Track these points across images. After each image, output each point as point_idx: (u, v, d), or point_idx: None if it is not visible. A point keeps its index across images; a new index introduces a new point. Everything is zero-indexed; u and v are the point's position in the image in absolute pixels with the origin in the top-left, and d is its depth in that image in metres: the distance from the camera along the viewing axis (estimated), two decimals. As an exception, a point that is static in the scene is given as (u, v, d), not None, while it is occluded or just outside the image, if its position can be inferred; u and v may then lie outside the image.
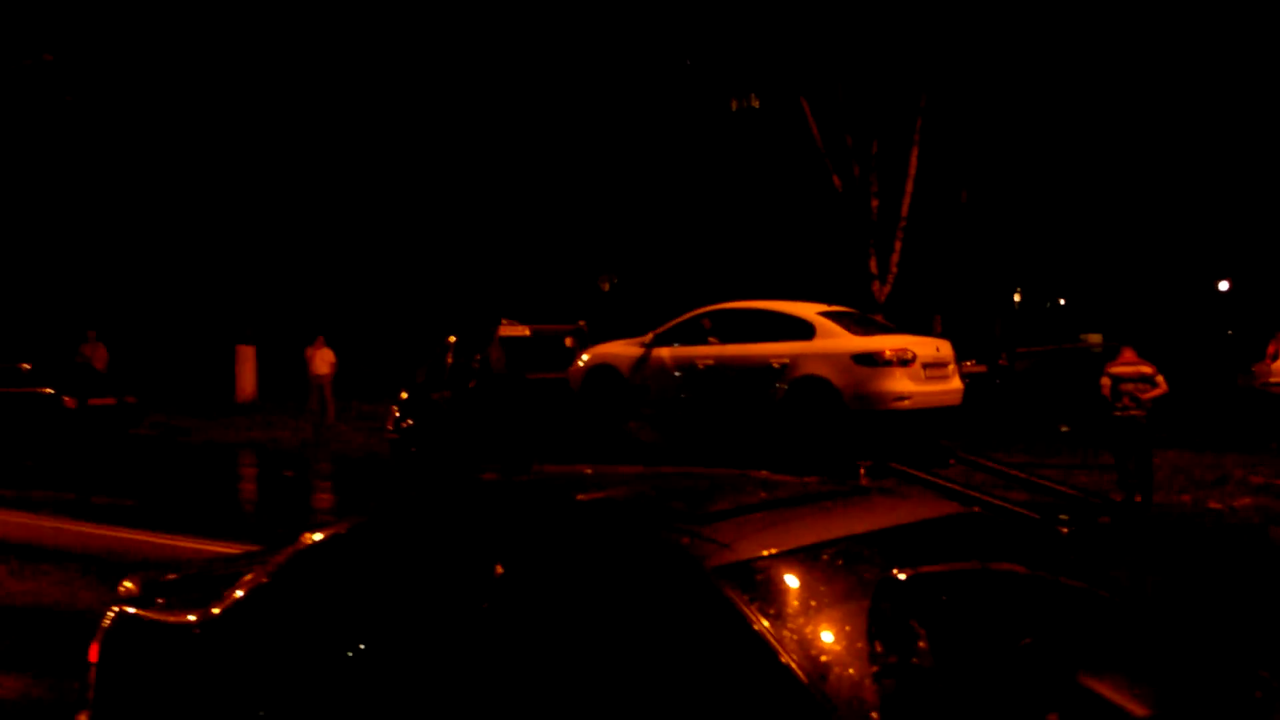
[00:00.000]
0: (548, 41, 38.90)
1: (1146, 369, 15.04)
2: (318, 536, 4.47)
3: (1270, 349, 25.70)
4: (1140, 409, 14.86)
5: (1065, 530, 4.64)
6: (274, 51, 35.52)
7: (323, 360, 27.51)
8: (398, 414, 20.34)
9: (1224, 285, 55.05)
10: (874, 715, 2.99)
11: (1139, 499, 14.98)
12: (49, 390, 25.25)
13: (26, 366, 26.05)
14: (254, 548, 8.15)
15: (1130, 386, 14.97)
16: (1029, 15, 29.21)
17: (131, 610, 4.74)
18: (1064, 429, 21.96)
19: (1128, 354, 15.25)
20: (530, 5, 38.18)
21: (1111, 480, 15.67)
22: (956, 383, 16.80)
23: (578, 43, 37.56)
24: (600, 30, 35.13)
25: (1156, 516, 14.68)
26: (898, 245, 28.52)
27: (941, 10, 27.29)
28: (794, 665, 3.06)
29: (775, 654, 3.09)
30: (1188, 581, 11.32)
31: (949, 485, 4.54)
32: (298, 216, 42.28)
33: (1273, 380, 25.36)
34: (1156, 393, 14.95)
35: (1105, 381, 15.13)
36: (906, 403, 15.40)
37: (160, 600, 4.76)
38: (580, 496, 4.41)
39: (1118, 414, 14.96)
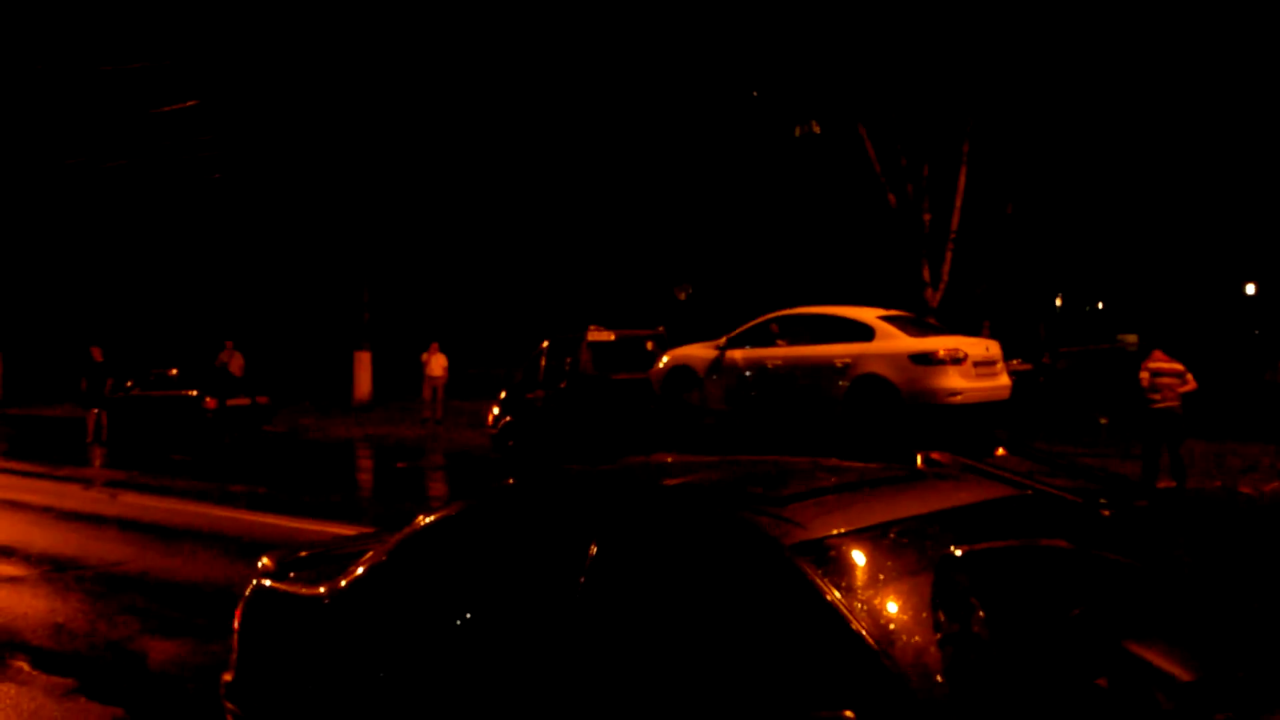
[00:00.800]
0: (634, 72, 39.02)
1: (1178, 366, 14.92)
2: (429, 519, 4.52)
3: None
4: (1176, 401, 14.74)
5: (1106, 512, 4.58)
6: (379, 57, 35.82)
7: (437, 364, 27.81)
8: (497, 412, 20.53)
9: (1251, 288, 54.00)
10: (939, 679, 2.96)
11: (1171, 484, 14.80)
12: (193, 393, 25.93)
13: (174, 372, 26.83)
14: (371, 530, 8.27)
15: (1166, 380, 14.84)
16: (1063, 39, 28.84)
17: (268, 583, 4.84)
18: (1103, 421, 21.63)
19: (1158, 353, 15.11)
20: (620, 35, 38.29)
21: (1158, 468, 15.46)
22: (1004, 379, 16.61)
23: (662, 73, 37.63)
24: (681, 60, 35.18)
25: (1193, 499, 14.43)
26: (948, 255, 28.44)
27: (984, 40, 27.12)
28: (864, 633, 3.04)
29: (847, 622, 3.08)
30: (1223, 557, 11.12)
31: (1000, 472, 4.49)
32: (412, 235, 42.78)
33: (1288, 375, 24.89)
34: (1188, 388, 14.86)
35: (1144, 376, 14.98)
36: (959, 398, 15.25)
37: (293, 575, 4.86)
38: (666, 481, 4.41)
39: (1156, 406, 14.82)
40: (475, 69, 40.88)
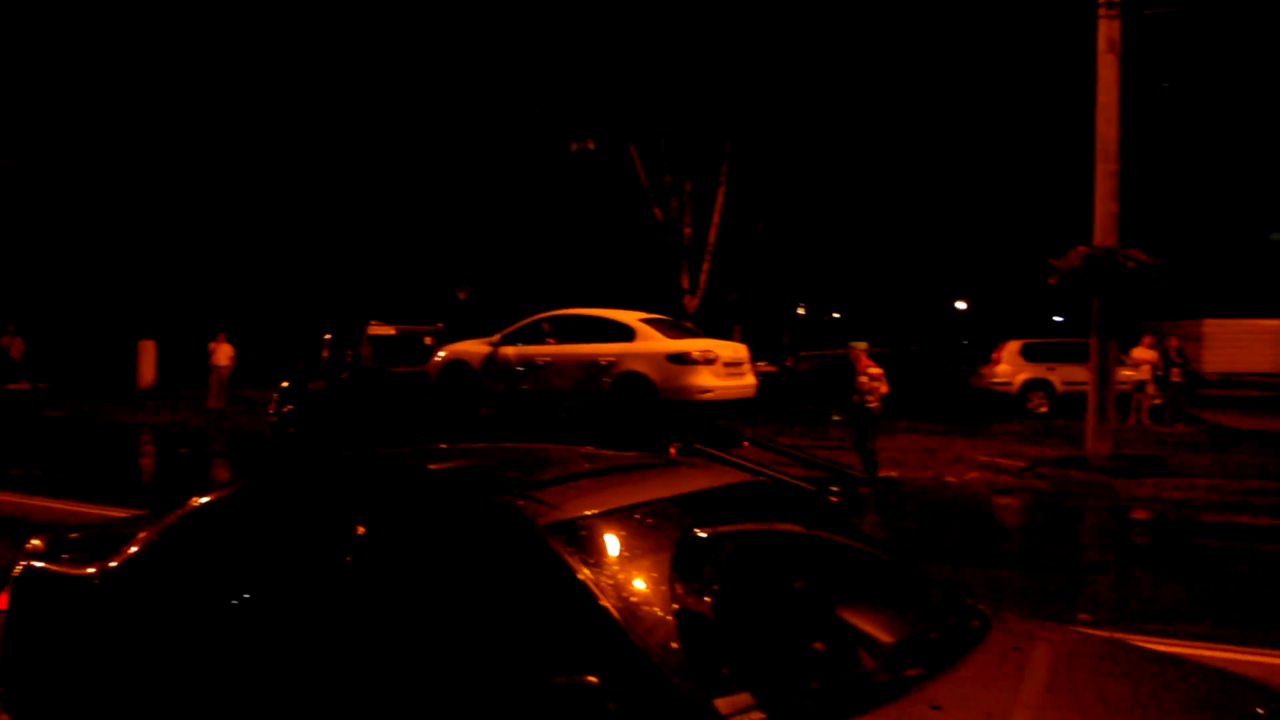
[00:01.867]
0: (423, 80, 38.51)
1: (880, 371, 15.66)
2: (204, 500, 4.39)
3: (994, 355, 26.89)
4: (878, 402, 15.45)
5: (835, 499, 4.78)
6: (180, 52, 34.50)
7: (223, 354, 26.87)
8: (279, 400, 20.01)
9: (961, 305, 57.05)
10: (674, 645, 3.03)
11: (894, 473, 15.54)
12: (-33, 377, 24.32)
13: (-50, 356, 25.03)
14: (146, 512, 7.92)
15: (873, 384, 15.58)
16: (808, 79, 30.03)
17: (38, 564, 4.59)
18: (836, 417, 22.53)
19: (867, 360, 15.82)
20: (410, 42, 37.73)
21: (873, 458, 16.18)
22: (751, 379, 17.08)
23: (450, 84, 37.26)
24: (467, 71, 34.94)
25: (905, 486, 15.15)
26: (705, 266, 29.22)
27: (740, 78, 28.07)
28: (610, 606, 3.10)
29: (595, 597, 3.13)
30: (922, 532, 11.72)
31: (742, 461, 4.62)
32: (196, 226, 41.24)
33: (995, 380, 26.52)
34: (885, 389, 15.59)
35: (863, 380, 15.62)
36: (709, 395, 15.61)
37: (65, 556, 4.62)
38: (430, 466, 4.39)
39: (867, 405, 15.49)
40: (258, 63, 39.68)
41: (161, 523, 4.41)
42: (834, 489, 13.60)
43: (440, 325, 20.44)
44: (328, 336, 19.72)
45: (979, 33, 39.44)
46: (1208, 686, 3.73)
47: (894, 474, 15.63)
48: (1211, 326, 31.93)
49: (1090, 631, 5.29)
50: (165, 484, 16.71)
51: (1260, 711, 3.53)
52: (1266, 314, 32.19)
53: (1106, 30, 16.34)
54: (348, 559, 3.67)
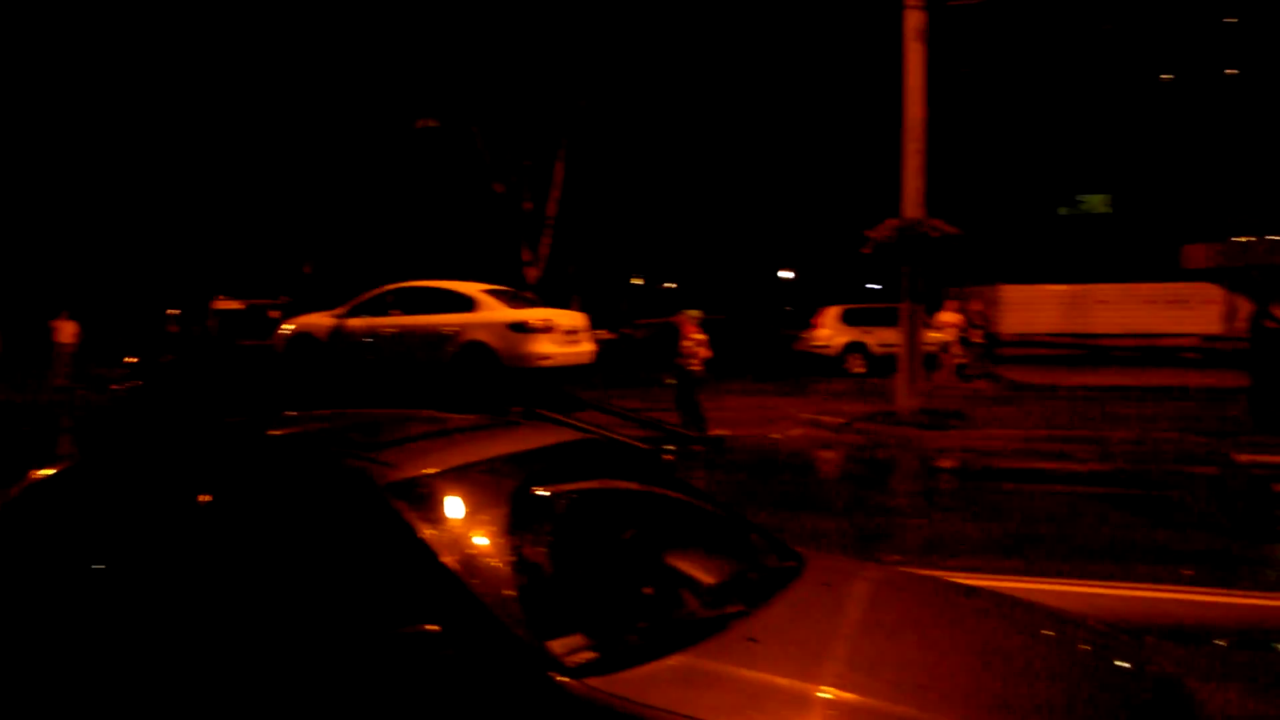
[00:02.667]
0: (270, 57, 37.28)
1: (704, 337, 15.91)
2: (44, 473, 4.20)
3: (814, 321, 27.63)
4: (700, 365, 15.70)
5: (669, 457, 4.86)
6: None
7: (68, 331, 25.59)
8: (128, 375, 19.27)
9: (787, 274, 58.23)
10: (509, 593, 3.06)
11: (727, 433, 15.82)
12: None
13: None
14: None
15: (695, 349, 15.83)
16: (643, 58, 30.17)
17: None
18: (669, 381, 22.79)
19: (689, 326, 16.04)
20: (260, 21, 36.45)
21: (702, 418, 16.46)
22: (589, 346, 17.20)
23: (298, 60, 36.16)
24: (315, 48, 33.99)
25: (735, 443, 15.44)
26: (545, 238, 29.14)
27: (578, 59, 28.03)
28: (450, 562, 3.10)
29: (435, 552, 3.12)
30: (749, 485, 12.00)
31: (578, 423, 4.66)
32: (37, 203, 39.17)
33: (815, 344, 27.26)
34: (706, 353, 15.86)
35: (686, 345, 15.85)
36: (549, 361, 15.69)
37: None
38: (275, 432, 4.30)
39: (691, 368, 15.71)
40: (97, 35, 37.87)
41: (2, 496, 4.21)
42: (668, 448, 13.80)
43: (285, 299, 19.96)
44: (175, 312, 19.09)
45: (802, 21, 40.20)
46: (1004, 611, 3.94)
47: (724, 432, 15.92)
48: (1008, 291, 33.34)
49: (900, 568, 5.52)
50: (5, 461, 15.92)
51: (1050, 633, 3.75)
52: (1055, 280, 33.80)
53: (913, 20, 16.83)
54: (195, 526, 3.57)
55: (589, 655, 2.95)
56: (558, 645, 2.95)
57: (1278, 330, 15.40)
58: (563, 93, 28.50)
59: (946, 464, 14.08)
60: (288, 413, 4.88)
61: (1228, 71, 44.36)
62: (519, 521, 3.41)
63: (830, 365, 26.71)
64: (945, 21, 17.75)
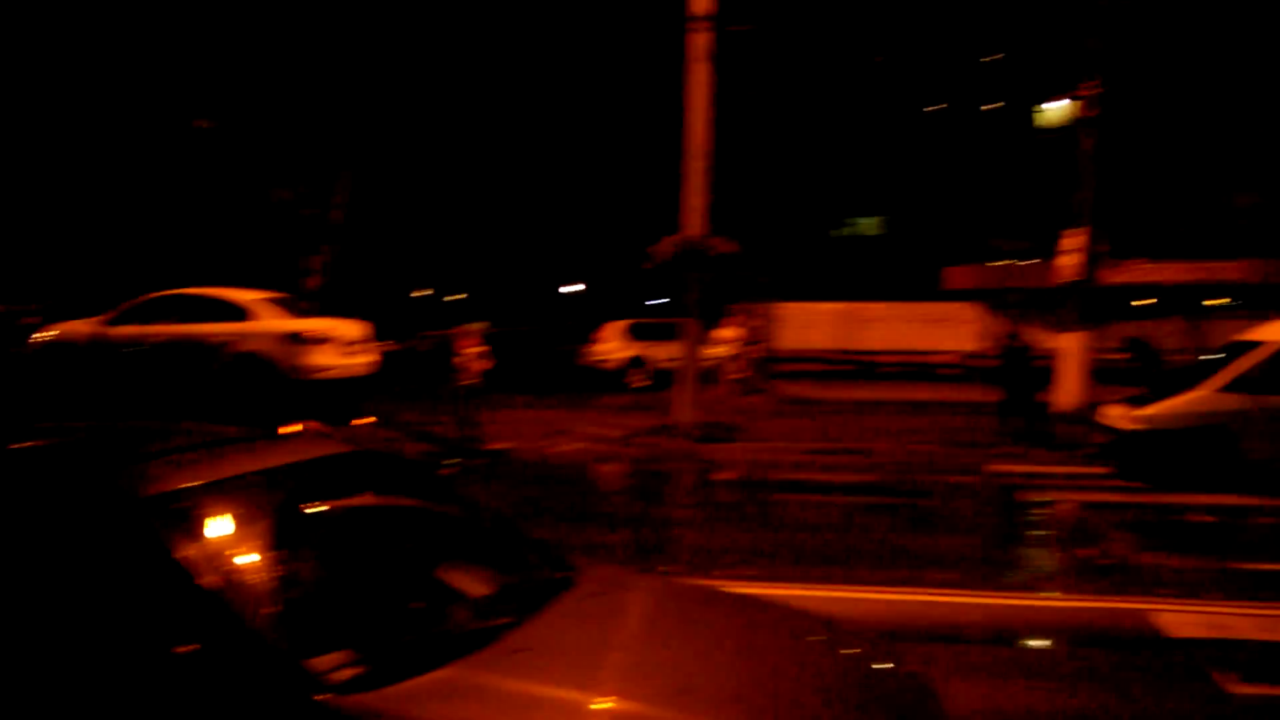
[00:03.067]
0: (40, 57, 35.01)
1: (480, 349, 15.94)
2: None
3: (597, 335, 27.93)
4: (478, 378, 15.70)
5: (449, 470, 4.80)
6: None
7: None
8: None
9: (573, 288, 58.57)
10: (270, 610, 2.96)
11: (511, 445, 15.77)
12: None
13: None
14: None
15: (472, 362, 15.82)
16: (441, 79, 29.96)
17: None
18: (448, 393, 22.60)
19: (466, 339, 16.01)
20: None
21: (481, 431, 16.39)
22: (370, 357, 16.83)
23: (68, 66, 34.11)
24: (85, 50, 32.20)
25: (516, 456, 15.39)
26: (330, 247, 28.52)
27: (357, 68, 27.64)
28: (209, 579, 2.97)
29: (193, 571, 2.99)
30: (529, 498, 11.99)
31: (354, 436, 4.54)
32: None
33: (598, 358, 27.54)
34: (485, 365, 15.89)
35: (462, 358, 15.79)
36: (329, 372, 15.27)
37: None
38: (16, 445, 4.01)
39: (466, 381, 15.67)
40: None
41: None
42: (448, 461, 13.66)
43: (35, 305, 18.77)
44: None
45: (590, 40, 40.63)
46: (773, 618, 4.06)
47: (506, 445, 15.86)
48: (785, 309, 34.47)
49: (677, 579, 5.61)
50: None
51: (816, 638, 3.88)
52: (829, 298, 35.19)
53: (697, 42, 17.24)
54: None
55: (353, 671, 2.88)
56: (320, 662, 2.87)
57: (1024, 348, 16.50)
58: (348, 100, 27.93)
59: (724, 476, 14.42)
60: (40, 424, 4.59)
61: (984, 107, 47.31)
62: (284, 537, 3.31)
63: (613, 379, 27.00)
64: (729, 45, 18.26)
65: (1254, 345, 13.20)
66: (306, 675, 2.81)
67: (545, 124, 44.96)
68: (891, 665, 3.79)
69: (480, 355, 15.85)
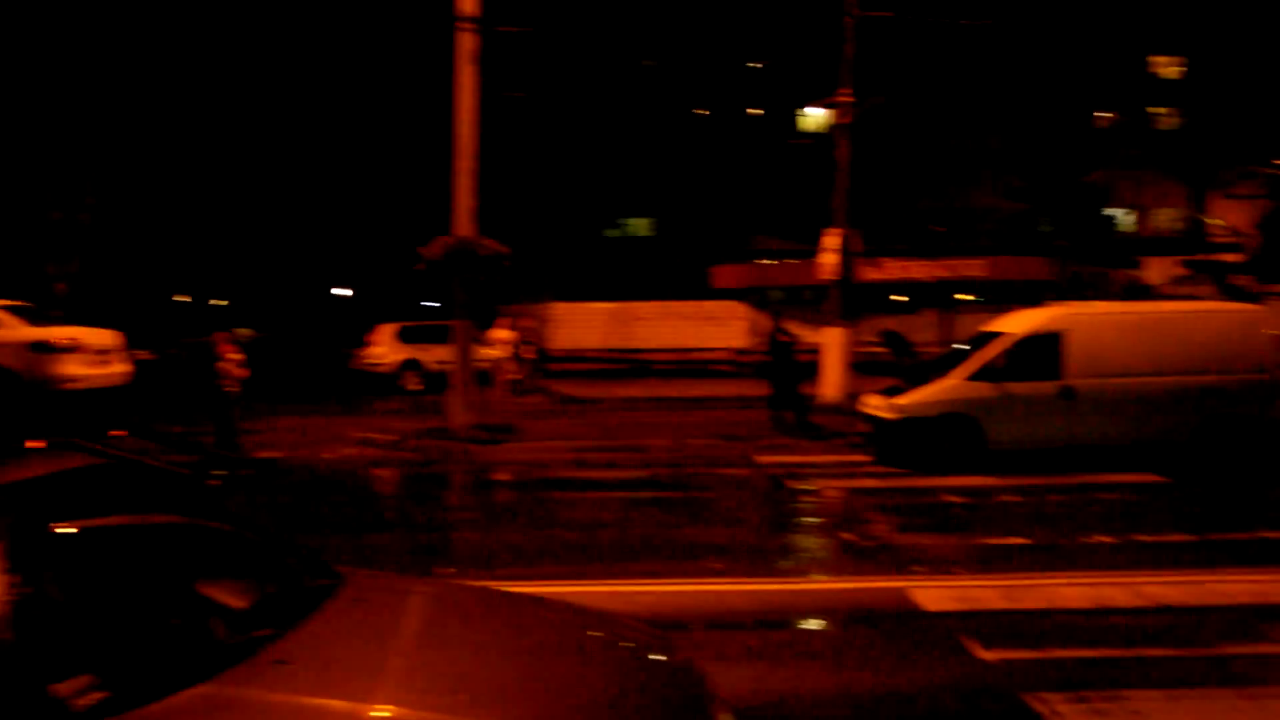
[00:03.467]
0: None
1: (238, 356, 15.41)
2: None
3: (370, 339, 27.35)
4: (237, 385, 15.20)
5: (214, 482, 4.58)
6: None
7: None
8: None
9: (343, 291, 57.12)
10: (4, 636, 2.73)
11: (278, 455, 15.21)
12: None
13: None
14: None
15: (231, 369, 15.29)
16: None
17: None
18: (208, 402, 21.65)
19: (224, 345, 15.45)
20: None
21: (253, 441, 15.78)
22: (124, 367, 15.95)
23: None
24: None
25: (286, 465, 14.87)
26: (77, 253, 26.95)
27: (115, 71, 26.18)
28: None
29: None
30: (299, 507, 11.62)
31: (110, 449, 4.25)
32: None
33: (371, 362, 26.98)
34: (243, 373, 15.40)
35: (222, 365, 15.21)
36: (78, 383, 14.38)
37: None
38: None
39: (227, 389, 15.14)
40: None
41: None
42: (214, 472, 13.04)
43: None
44: None
45: (357, 41, 39.70)
46: (552, 616, 4.04)
47: (276, 454, 15.30)
48: (558, 309, 34.65)
49: (452, 581, 5.51)
50: None
51: (596, 634, 3.88)
52: (602, 298, 35.56)
53: (465, 42, 17.06)
54: None
55: (99, 695, 2.69)
56: (64, 687, 2.67)
57: (790, 343, 17.10)
58: (93, 96, 26.40)
59: (501, 477, 14.33)
60: None
61: (750, 111, 48.79)
62: (27, 556, 3.06)
63: (386, 383, 26.47)
64: (499, 46, 18.18)
65: (996, 336, 14.11)
66: (50, 702, 2.61)
67: (313, 124, 43.65)
68: (666, 657, 3.83)
69: (241, 363, 15.25)
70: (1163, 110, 48.28)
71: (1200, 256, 40.21)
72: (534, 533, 10.32)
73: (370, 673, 3.09)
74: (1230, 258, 39.39)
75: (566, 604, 4.34)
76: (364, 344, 27.89)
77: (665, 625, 6.33)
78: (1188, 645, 6.49)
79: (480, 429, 16.91)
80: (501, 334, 22.91)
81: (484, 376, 20.73)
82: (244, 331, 31.20)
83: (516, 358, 23.44)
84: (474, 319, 17.41)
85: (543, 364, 27.14)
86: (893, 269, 34.71)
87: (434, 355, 25.29)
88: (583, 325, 34.16)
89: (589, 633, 3.89)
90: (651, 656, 3.81)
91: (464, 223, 16.93)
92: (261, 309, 50.03)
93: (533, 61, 42.37)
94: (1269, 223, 36.71)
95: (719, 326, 34.14)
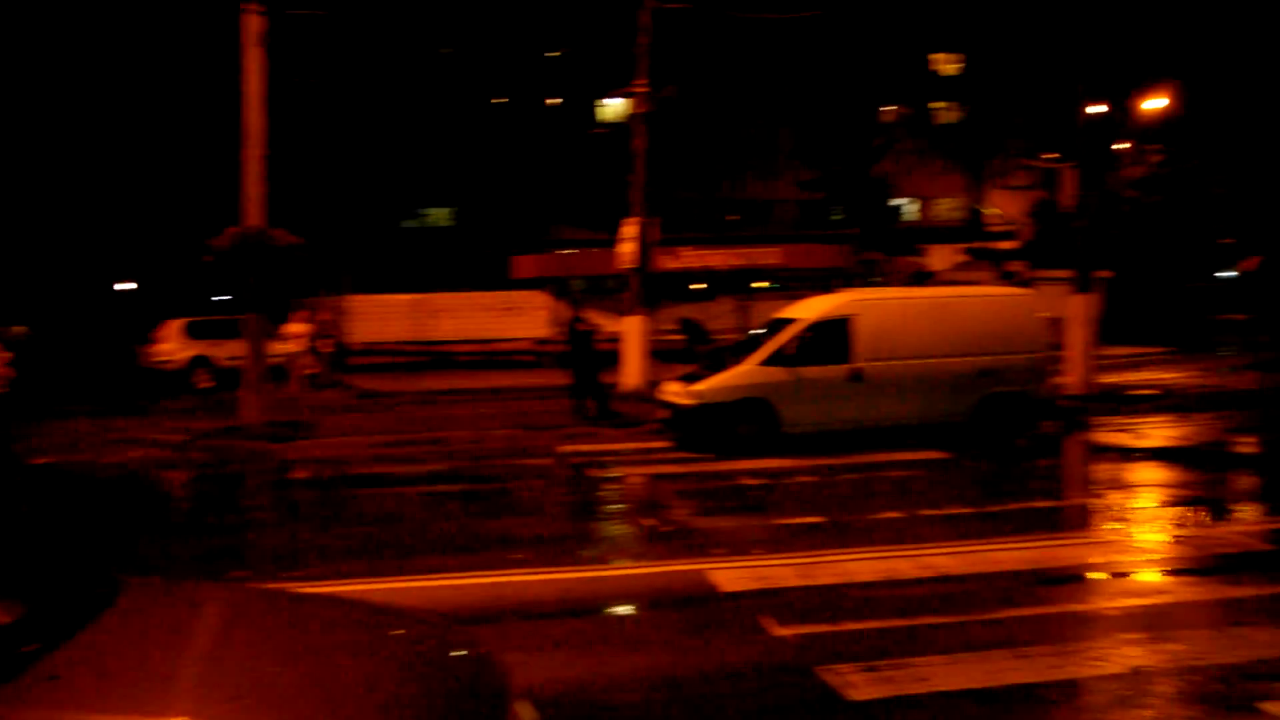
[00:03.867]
0: None
1: (7, 354, 14.63)
2: None
3: (157, 334, 26.16)
4: (6, 386, 14.45)
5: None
6: None
7: None
8: None
9: (127, 285, 54.36)
10: None
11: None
12: None
13: None
14: None
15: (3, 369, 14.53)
16: None
17: None
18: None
19: None
20: None
21: (25, 446, 14.87)
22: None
23: None
24: None
25: (65, 468, 14.08)
26: None
27: None
28: None
29: None
30: (80, 514, 11.03)
31: None
32: None
33: (159, 359, 25.81)
34: (9, 373, 14.66)
35: None
36: None
37: None
38: None
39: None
40: None
41: None
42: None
43: None
44: None
45: (145, 25, 37.78)
46: (346, 617, 3.95)
47: (53, 459, 14.47)
48: (357, 301, 33.89)
49: (242, 585, 5.34)
50: None
51: (396, 632, 3.81)
52: (403, 290, 34.96)
53: (252, 24, 16.47)
54: None
55: None
56: None
57: (589, 332, 17.21)
58: None
59: (299, 475, 13.95)
60: None
61: (549, 101, 48.74)
62: None
63: (176, 381, 25.32)
64: (290, 29, 17.61)
65: (789, 322, 14.56)
66: None
67: (92, 107, 41.28)
68: (467, 652, 3.80)
69: (8, 362, 14.33)
70: (943, 105, 50.75)
71: (979, 244, 42.52)
72: (334, 531, 10.09)
73: (152, 684, 2.96)
74: (1006, 245, 41.80)
75: (363, 603, 4.27)
76: (151, 340, 26.64)
77: (470, 619, 6.32)
78: (968, 611, 6.86)
79: (276, 426, 16.40)
80: (297, 328, 22.25)
81: (279, 372, 20.11)
82: (17, 329, 29.28)
83: (313, 352, 22.81)
84: (267, 312, 16.86)
85: (341, 358, 26.47)
86: (691, 257, 35.33)
87: (226, 351, 24.31)
88: (382, 317, 33.52)
89: (384, 631, 3.84)
90: (452, 653, 3.78)
91: (254, 213, 16.36)
92: (36, 305, 47.07)
93: (326, 46, 41.26)
94: (1040, 212, 39.04)
95: (521, 317, 34.07)
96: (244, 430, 16.26)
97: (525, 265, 38.26)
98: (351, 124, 43.49)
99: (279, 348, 20.51)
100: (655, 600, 7.49)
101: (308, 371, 22.30)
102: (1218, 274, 36.89)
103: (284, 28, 17.18)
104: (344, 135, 43.03)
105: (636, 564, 8.59)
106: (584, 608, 7.38)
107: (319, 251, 17.61)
